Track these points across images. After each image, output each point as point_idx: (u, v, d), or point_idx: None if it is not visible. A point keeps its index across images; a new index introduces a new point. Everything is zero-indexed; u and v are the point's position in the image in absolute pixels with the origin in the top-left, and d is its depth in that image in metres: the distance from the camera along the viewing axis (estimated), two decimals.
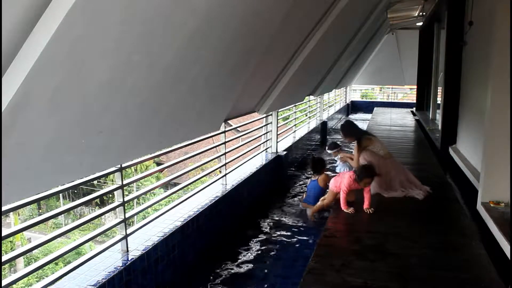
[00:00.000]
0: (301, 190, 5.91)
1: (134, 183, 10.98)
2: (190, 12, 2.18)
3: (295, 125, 8.13)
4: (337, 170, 5.22)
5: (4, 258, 2.10)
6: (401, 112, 12.73)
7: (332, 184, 4.19)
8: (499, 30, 3.53)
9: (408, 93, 20.52)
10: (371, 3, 7.17)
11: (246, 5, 2.77)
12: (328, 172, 5.25)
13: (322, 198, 4.49)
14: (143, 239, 3.10)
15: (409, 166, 5.88)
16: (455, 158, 5.13)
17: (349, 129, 4.60)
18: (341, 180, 4.00)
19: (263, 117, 6.02)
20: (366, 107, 16.44)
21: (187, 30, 2.27)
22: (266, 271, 3.60)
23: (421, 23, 11.46)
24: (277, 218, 4.78)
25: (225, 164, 4.64)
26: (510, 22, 3.25)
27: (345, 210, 3.81)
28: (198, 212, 3.70)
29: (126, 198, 2.94)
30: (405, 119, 11.23)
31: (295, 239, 4.23)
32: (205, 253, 3.82)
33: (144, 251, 2.94)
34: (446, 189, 4.78)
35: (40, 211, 18.96)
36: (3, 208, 1.99)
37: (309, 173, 6.43)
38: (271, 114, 6.21)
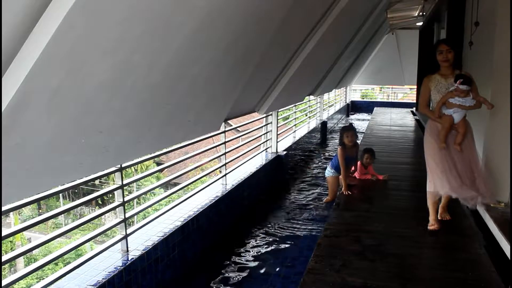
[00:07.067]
0: (300, 190, 5.91)
1: (134, 183, 11.01)
2: (190, 12, 2.18)
3: (295, 125, 8.12)
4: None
5: (4, 258, 2.10)
6: (401, 112, 12.72)
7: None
8: (499, 30, 3.53)
9: (408, 93, 20.48)
10: (371, 3, 7.17)
11: (246, 5, 2.77)
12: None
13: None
14: (143, 239, 3.10)
15: (409, 166, 5.90)
16: None
17: None
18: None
19: (263, 117, 6.02)
20: (366, 107, 16.43)
21: (187, 30, 2.27)
22: (266, 271, 3.60)
23: (421, 23, 11.45)
24: (277, 218, 4.78)
25: (225, 164, 4.64)
26: (510, 22, 3.25)
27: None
28: (198, 212, 3.71)
29: (126, 198, 2.94)
30: (405, 119, 11.22)
31: (295, 239, 4.23)
32: (205, 253, 3.82)
33: (144, 251, 2.94)
34: None
35: (40, 211, 18.95)
36: (3, 208, 1.99)
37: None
38: (271, 114, 6.21)
